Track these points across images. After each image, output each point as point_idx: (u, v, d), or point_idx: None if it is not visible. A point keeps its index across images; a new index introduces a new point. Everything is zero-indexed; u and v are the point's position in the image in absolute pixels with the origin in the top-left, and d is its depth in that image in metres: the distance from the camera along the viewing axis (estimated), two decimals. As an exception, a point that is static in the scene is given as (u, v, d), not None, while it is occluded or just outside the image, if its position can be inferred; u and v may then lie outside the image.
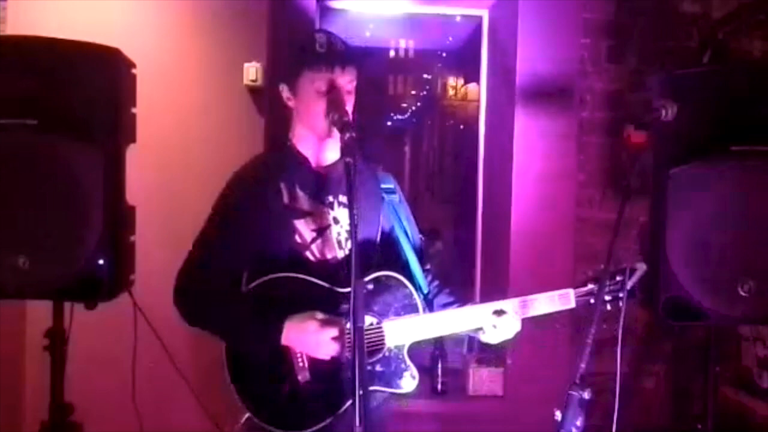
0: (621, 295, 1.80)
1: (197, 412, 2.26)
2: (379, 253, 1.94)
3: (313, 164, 1.91)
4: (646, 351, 3.18)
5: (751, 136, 1.84)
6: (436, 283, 2.04)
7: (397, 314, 1.84)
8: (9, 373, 2.84)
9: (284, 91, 1.90)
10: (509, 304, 1.88)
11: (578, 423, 1.48)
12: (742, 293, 1.83)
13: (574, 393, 1.49)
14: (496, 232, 3.33)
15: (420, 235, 2.07)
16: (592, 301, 1.81)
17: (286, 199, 1.86)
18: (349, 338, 1.70)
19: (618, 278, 1.81)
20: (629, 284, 1.82)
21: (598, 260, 3.11)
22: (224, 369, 1.78)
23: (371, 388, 1.79)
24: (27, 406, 2.87)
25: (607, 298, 1.82)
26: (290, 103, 1.91)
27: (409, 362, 1.84)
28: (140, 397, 2.15)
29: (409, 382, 1.84)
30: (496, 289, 3.28)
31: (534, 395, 2.82)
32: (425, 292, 1.97)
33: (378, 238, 1.95)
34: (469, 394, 3.17)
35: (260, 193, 1.87)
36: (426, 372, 3.15)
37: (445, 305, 1.99)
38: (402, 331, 1.83)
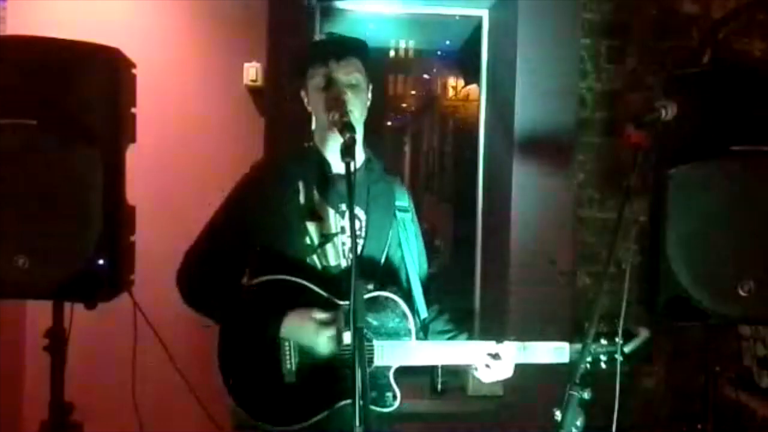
0: (618, 357, 1.74)
1: (197, 411, 2.26)
2: (383, 271, 1.91)
3: (333, 169, 1.88)
4: (646, 351, 3.18)
5: (751, 136, 1.84)
6: (435, 307, 2.00)
7: (390, 336, 1.82)
8: (9, 373, 2.84)
9: (304, 97, 1.91)
10: (508, 348, 1.85)
11: (578, 423, 1.48)
12: (742, 293, 1.83)
13: (574, 393, 1.49)
14: (496, 232, 3.33)
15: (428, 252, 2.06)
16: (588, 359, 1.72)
17: (302, 199, 1.85)
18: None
19: (617, 340, 1.74)
20: (627, 349, 1.78)
21: (598, 260, 3.13)
22: (216, 359, 1.79)
23: (347, 401, 1.77)
24: (27, 406, 2.87)
25: (603, 358, 1.78)
26: (310, 108, 1.90)
27: (393, 383, 1.82)
28: (140, 397, 2.15)
29: (389, 402, 1.81)
30: (496, 290, 3.28)
31: (534, 395, 2.82)
32: (423, 317, 1.94)
33: (384, 256, 1.92)
34: (469, 394, 3.17)
35: (277, 189, 1.86)
36: (426, 372, 3.15)
37: (441, 333, 1.96)
38: (392, 353, 1.81)
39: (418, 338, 1.85)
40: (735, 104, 1.87)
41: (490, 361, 1.85)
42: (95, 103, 1.86)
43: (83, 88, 1.85)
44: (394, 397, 1.82)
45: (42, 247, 1.79)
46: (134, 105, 2.04)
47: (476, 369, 1.88)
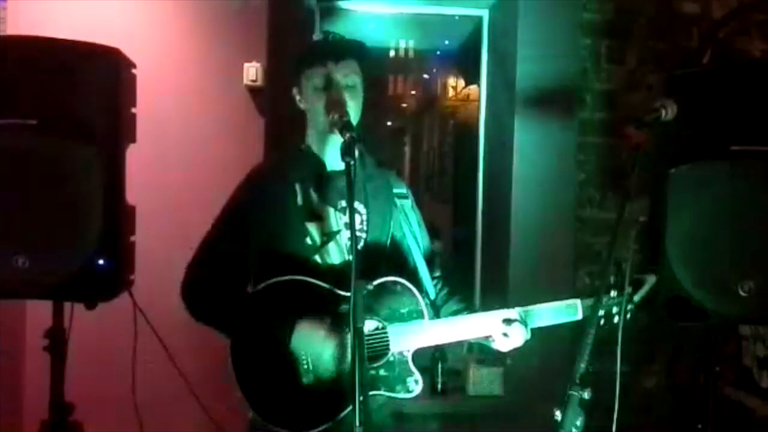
0: (629, 308, 1.76)
1: (197, 411, 2.26)
2: (388, 259, 1.93)
3: (328, 168, 1.90)
4: (646, 351, 3.18)
5: (751, 136, 1.85)
6: (445, 290, 2.03)
7: (403, 320, 1.83)
8: (9, 373, 2.84)
9: (296, 95, 1.92)
10: (517, 313, 1.86)
11: (578, 423, 1.48)
12: (742, 293, 1.83)
13: (574, 393, 1.49)
14: (496, 232, 3.33)
15: (431, 241, 2.07)
16: (601, 313, 1.75)
17: (300, 200, 1.86)
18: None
19: (627, 290, 1.76)
20: (637, 297, 1.80)
21: (598, 260, 3.13)
22: (229, 368, 1.78)
23: (374, 392, 1.79)
24: (27, 406, 2.87)
25: (615, 310, 1.77)
26: (302, 106, 1.92)
27: (413, 368, 1.82)
28: (140, 397, 2.15)
29: (412, 387, 1.82)
30: (496, 289, 3.28)
31: (534, 395, 2.82)
32: (432, 298, 1.96)
33: (387, 245, 1.94)
34: (469, 394, 3.17)
35: (274, 193, 1.87)
36: (426, 372, 3.15)
37: (455, 312, 1.98)
38: (407, 337, 1.82)
39: (430, 318, 1.86)
40: (735, 104, 1.87)
41: (507, 329, 1.84)
42: (95, 103, 1.87)
43: (83, 88, 1.85)
44: (416, 381, 1.83)
45: (42, 246, 1.79)
46: (134, 105, 2.04)
47: (494, 341, 1.87)
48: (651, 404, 3.20)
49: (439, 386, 3.16)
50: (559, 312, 1.86)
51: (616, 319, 1.77)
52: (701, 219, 1.85)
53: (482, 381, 3.15)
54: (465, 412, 3.14)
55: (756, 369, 2.91)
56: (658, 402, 3.21)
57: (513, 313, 1.85)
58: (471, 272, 3.56)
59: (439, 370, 3.15)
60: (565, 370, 1.53)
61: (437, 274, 2.04)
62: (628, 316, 1.73)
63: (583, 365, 1.51)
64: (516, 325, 1.83)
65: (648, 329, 3.09)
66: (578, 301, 1.85)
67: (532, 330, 1.87)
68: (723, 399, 2.60)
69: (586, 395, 1.49)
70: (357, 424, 1.41)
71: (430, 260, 2.02)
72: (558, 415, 1.49)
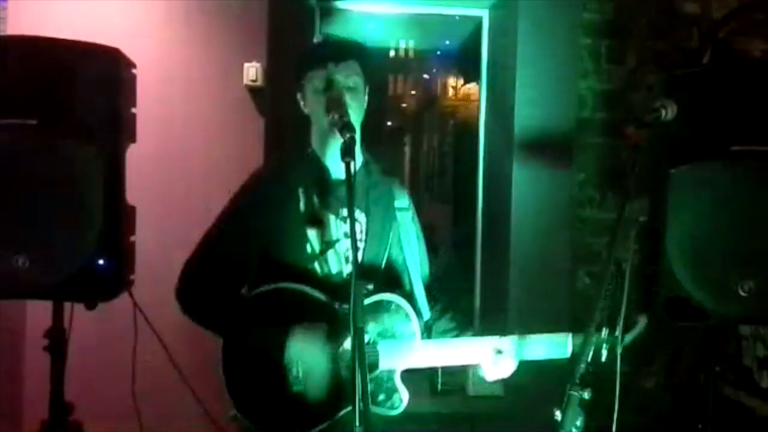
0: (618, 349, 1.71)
1: (197, 411, 2.26)
2: (384, 273, 1.91)
3: (333, 176, 1.88)
4: (646, 351, 3.18)
5: (751, 136, 1.85)
6: (439, 306, 2.01)
7: (395, 339, 1.81)
8: (9, 373, 2.84)
9: (300, 100, 1.90)
10: (509, 342, 1.85)
11: (578, 423, 1.48)
12: (742, 293, 1.83)
13: (574, 393, 1.49)
14: (496, 232, 3.33)
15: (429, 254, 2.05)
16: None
17: (302, 206, 1.85)
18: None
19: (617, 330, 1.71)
20: (628, 338, 1.75)
21: (598, 260, 3.13)
22: (220, 372, 1.78)
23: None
24: (27, 406, 2.87)
25: (605, 346, 1.70)
26: (306, 110, 1.90)
27: (399, 385, 1.81)
28: (140, 397, 2.15)
29: (397, 404, 1.81)
30: (496, 289, 3.28)
31: (534, 395, 2.82)
32: (426, 318, 1.94)
33: (384, 259, 1.92)
34: (469, 394, 3.17)
35: (275, 199, 1.85)
36: (426, 372, 3.15)
37: (445, 332, 1.96)
38: (396, 355, 1.80)
39: (422, 339, 1.84)
40: (735, 104, 1.87)
41: (497, 359, 1.84)
42: (95, 103, 1.86)
43: (83, 87, 1.85)
44: (401, 399, 1.82)
45: (42, 246, 1.79)
46: (134, 105, 2.04)
47: (482, 369, 1.88)
48: (651, 404, 3.20)
49: (439, 386, 3.16)
50: (551, 346, 1.84)
51: (603, 357, 1.71)
52: (701, 219, 1.85)
53: (482, 381, 3.13)
54: (465, 412, 3.14)
55: (756, 369, 2.91)
56: (658, 402, 3.21)
57: (505, 343, 1.84)
58: (471, 272, 3.55)
59: (439, 371, 3.14)
60: (565, 371, 1.53)
61: (433, 293, 2.01)
62: (618, 361, 1.69)
63: (583, 365, 1.51)
64: (506, 356, 1.84)
65: (648, 329, 3.09)
66: (570, 336, 1.84)
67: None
68: (723, 399, 2.60)
69: (586, 395, 1.49)
70: (357, 424, 1.40)
71: (426, 276, 1.99)
72: (558, 415, 1.49)
